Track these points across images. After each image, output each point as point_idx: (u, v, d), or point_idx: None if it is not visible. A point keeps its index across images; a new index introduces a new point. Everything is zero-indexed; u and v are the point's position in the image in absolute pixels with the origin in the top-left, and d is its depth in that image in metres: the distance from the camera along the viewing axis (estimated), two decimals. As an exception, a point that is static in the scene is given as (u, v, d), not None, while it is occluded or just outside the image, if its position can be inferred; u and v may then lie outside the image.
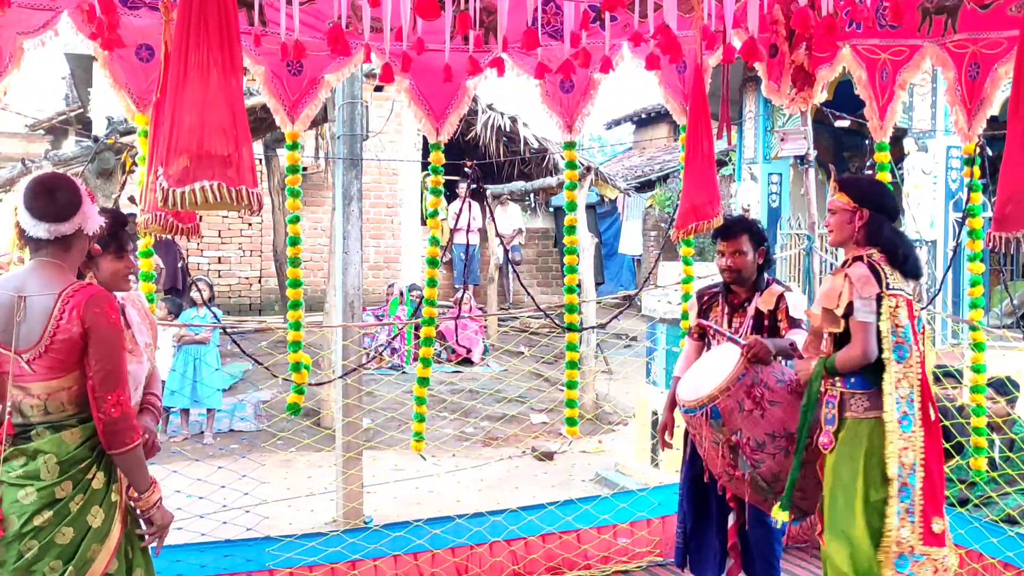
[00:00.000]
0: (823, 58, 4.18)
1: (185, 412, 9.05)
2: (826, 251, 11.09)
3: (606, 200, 17.10)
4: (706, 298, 4.17)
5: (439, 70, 3.63)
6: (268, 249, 13.77)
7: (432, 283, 4.78)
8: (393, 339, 11.14)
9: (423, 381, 4.86)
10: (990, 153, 4.92)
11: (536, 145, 14.76)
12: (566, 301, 4.82)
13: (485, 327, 12.67)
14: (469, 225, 8.98)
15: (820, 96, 4.42)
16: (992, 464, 5.50)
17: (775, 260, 5.85)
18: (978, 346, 4.50)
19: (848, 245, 3.51)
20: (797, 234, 10.69)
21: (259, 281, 14.57)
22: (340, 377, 6.13)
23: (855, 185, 3.59)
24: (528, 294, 5.91)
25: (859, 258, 3.41)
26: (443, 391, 9.93)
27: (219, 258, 14.33)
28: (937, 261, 9.38)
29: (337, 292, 6.62)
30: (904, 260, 3.45)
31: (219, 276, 14.04)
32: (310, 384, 4.76)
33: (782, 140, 10.93)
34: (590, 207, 16.39)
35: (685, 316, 4.48)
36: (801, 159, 6.93)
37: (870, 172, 5.08)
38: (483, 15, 3.87)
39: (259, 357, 5.30)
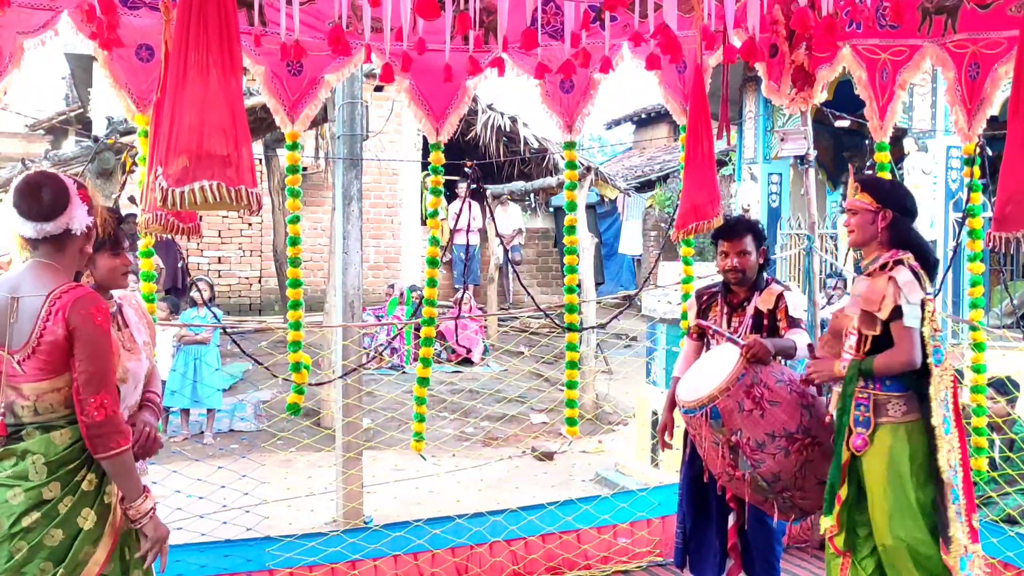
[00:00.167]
0: (823, 58, 4.18)
1: (185, 412, 9.05)
2: (826, 251, 11.10)
3: (606, 200, 17.10)
4: (705, 298, 4.16)
5: (439, 70, 3.63)
6: (268, 249, 13.77)
7: (432, 283, 4.79)
8: (393, 339, 11.14)
9: (423, 381, 4.86)
10: (990, 153, 4.92)
11: (536, 145, 14.76)
12: (566, 301, 4.82)
13: (485, 327, 12.67)
14: (469, 225, 8.97)
15: (820, 96, 4.42)
16: (992, 464, 5.50)
17: (774, 260, 5.84)
18: (978, 346, 4.50)
19: (871, 246, 3.48)
20: (797, 234, 10.70)
21: (259, 281, 14.57)
22: (340, 377, 6.13)
23: (877, 186, 3.56)
24: (528, 294, 5.91)
25: (899, 261, 3.37)
26: (443, 391, 9.93)
27: (219, 258, 14.33)
28: (937, 261, 9.36)
29: (337, 292, 6.62)
30: (935, 264, 3.46)
31: (219, 276, 14.04)
32: (310, 384, 4.76)
33: (782, 140, 10.93)
34: (590, 207, 16.39)
35: (685, 316, 4.48)
36: (801, 159, 6.92)
37: (870, 172, 5.07)
38: (483, 15, 3.87)
39: (259, 357, 5.31)
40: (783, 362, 3.82)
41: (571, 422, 4.85)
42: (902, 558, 3.28)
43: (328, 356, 7.98)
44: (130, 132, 8.30)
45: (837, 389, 3.47)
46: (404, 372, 10.80)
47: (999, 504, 5.40)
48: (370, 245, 13.95)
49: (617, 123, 24.65)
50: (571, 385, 4.85)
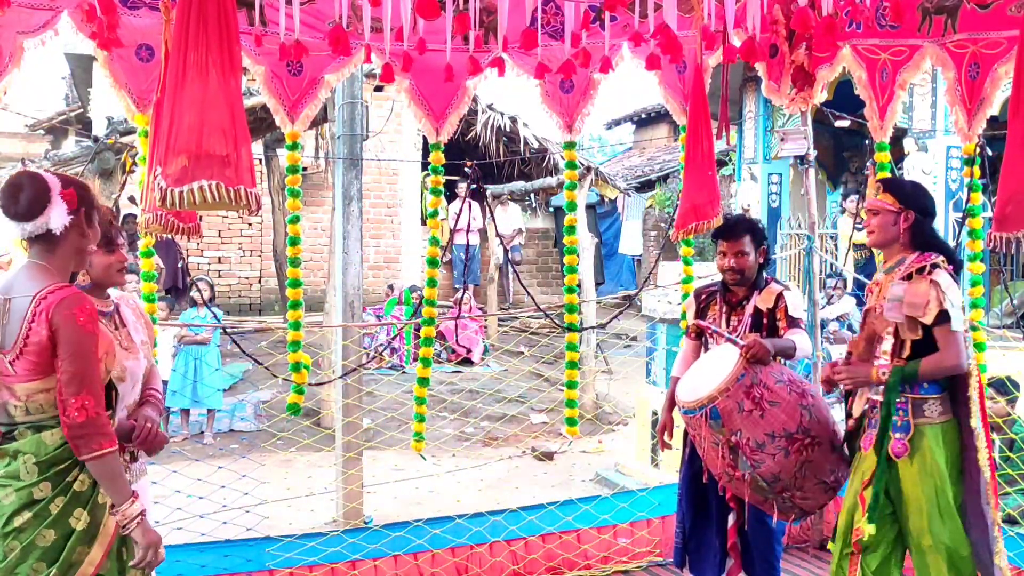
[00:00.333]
0: (823, 58, 4.18)
1: (185, 412, 9.05)
2: (826, 251, 11.10)
3: (606, 200, 17.10)
4: (703, 297, 4.16)
5: (439, 70, 3.63)
6: (268, 249, 13.78)
7: (432, 283, 4.79)
8: (393, 339, 11.14)
9: (423, 381, 4.86)
10: (990, 153, 4.92)
11: (536, 145, 14.76)
12: (566, 301, 4.82)
13: (485, 327, 12.67)
14: (469, 225, 8.98)
15: (820, 96, 4.43)
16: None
17: (774, 260, 5.85)
18: (978, 346, 4.50)
19: (893, 247, 3.47)
20: (797, 234, 10.69)
21: (259, 281, 14.58)
22: (340, 377, 6.13)
23: (899, 186, 3.54)
24: (528, 294, 5.92)
25: (935, 264, 3.35)
26: (443, 391, 9.93)
27: (219, 258, 14.33)
28: (937, 261, 9.35)
29: (337, 292, 6.62)
30: (960, 265, 3.45)
31: (219, 276, 14.04)
32: (310, 384, 4.77)
33: (782, 140, 10.93)
34: (590, 207, 16.39)
35: (684, 316, 4.48)
36: (801, 159, 6.91)
37: (870, 172, 5.06)
38: (483, 15, 3.87)
39: (259, 357, 5.31)
40: (782, 362, 3.82)
41: (571, 422, 4.85)
42: (938, 559, 3.28)
43: (328, 356, 7.98)
44: (130, 132, 8.30)
45: (872, 395, 3.44)
46: (404, 372, 10.80)
47: (999, 504, 5.39)
48: (370, 245, 13.95)
49: (617, 123, 24.64)
50: (571, 385, 4.85)
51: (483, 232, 14.54)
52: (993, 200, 3.93)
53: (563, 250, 5.42)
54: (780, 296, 3.93)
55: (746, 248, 3.94)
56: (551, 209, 17.04)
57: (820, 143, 10.66)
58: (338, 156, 6.75)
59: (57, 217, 2.58)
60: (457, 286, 14.21)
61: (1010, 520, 5.22)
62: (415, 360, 7.81)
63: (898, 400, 3.36)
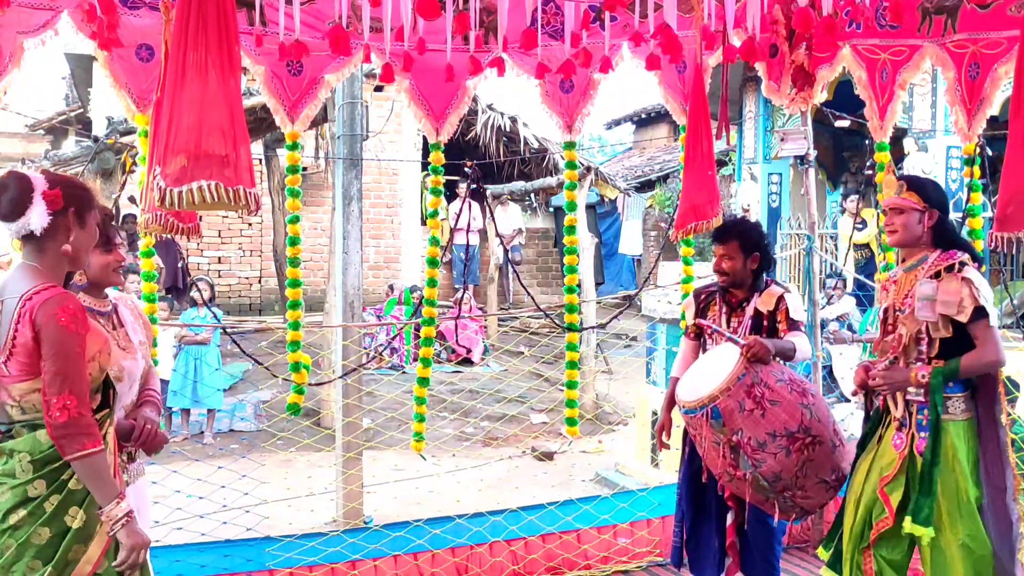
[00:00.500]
0: (823, 58, 4.18)
1: (186, 412, 9.05)
2: (826, 251, 11.10)
3: (606, 200, 17.10)
4: (703, 297, 4.16)
5: (439, 70, 3.63)
6: (268, 249, 13.78)
7: (432, 283, 4.79)
8: (393, 339, 11.14)
9: (423, 381, 4.86)
10: (990, 153, 4.92)
11: (536, 145, 14.76)
12: (566, 301, 4.82)
13: (485, 327, 12.67)
14: (469, 225, 8.98)
15: (820, 96, 4.43)
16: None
17: (775, 260, 5.84)
18: (978, 346, 4.49)
19: (916, 246, 3.47)
20: (797, 234, 10.70)
21: (259, 281, 14.58)
22: (340, 377, 6.13)
23: (922, 185, 3.53)
24: (528, 294, 5.92)
25: (963, 263, 3.36)
26: (443, 391, 9.93)
27: (219, 258, 14.33)
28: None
29: (337, 292, 6.62)
30: (981, 264, 3.45)
31: (219, 276, 14.04)
32: (310, 384, 4.77)
33: (782, 140, 10.93)
34: (590, 207, 16.39)
35: (684, 316, 4.48)
36: (801, 159, 6.91)
37: (870, 172, 5.07)
38: (483, 15, 3.87)
39: (259, 357, 5.31)
40: (782, 363, 3.82)
41: (571, 422, 4.85)
42: (958, 557, 3.28)
43: (328, 356, 7.98)
44: (130, 132, 8.31)
45: (913, 395, 3.41)
46: (404, 372, 10.80)
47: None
48: (370, 245, 13.95)
49: (617, 123, 24.64)
50: (571, 385, 4.85)
51: (483, 232, 14.54)
52: (993, 200, 3.94)
53: (563, 250, 5.42)
54: (781, 299, 3.93)
55: (732, 253, 3.93)
56: (551, 209, 17.03)
57: (820, 143, 10.67)
58: (338, 156, 6.75)
59: (36, 217, 2.57)
60: (457, 286, 14.21)
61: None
62: (415, 360, 7.81)
63: (922, 399, 3.37)
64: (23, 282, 2.58)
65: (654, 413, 7.48)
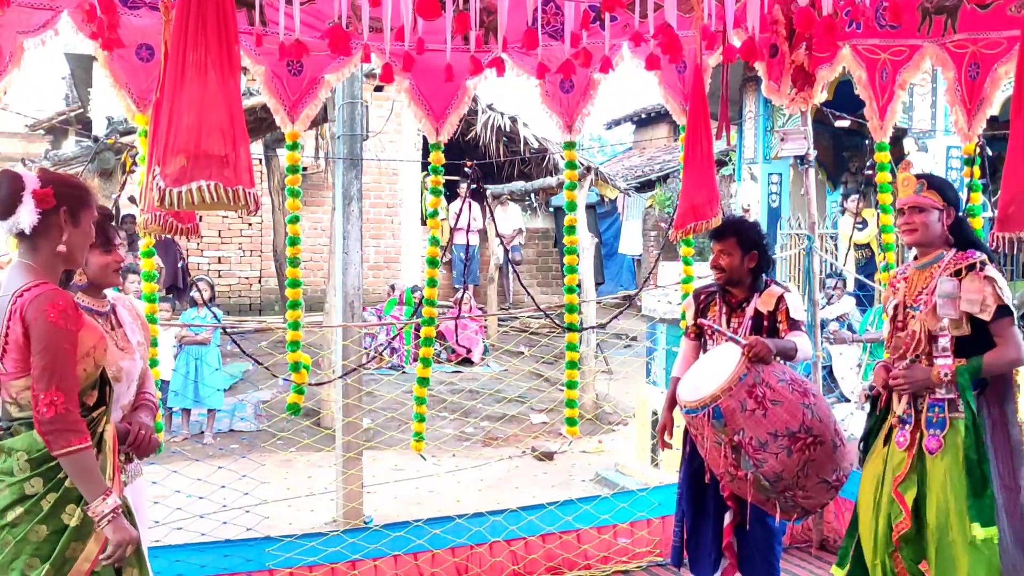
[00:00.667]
0: (823, 58, 4.17)
1: (186, 412, 9.05)
2: (826, 251, 11.10)
3: (606, 200, 17.10)
4: (703, 297, 4.16)
5: (439, 70, 3.63)
6: (268, 249, 13.77)
7: (432, 283, 4.79)
8: (393, 339, 11.15)
9: (423, 381, 4.86)
10: (990, 153, 4.92)
11: (536, 145, 14.75)
12: (566, 301, 4.81)
13: (485, 327, 12.67)
14: (469, 225, 8.98)
15: (820, 96, 4.42)
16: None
17: (775, 260, 5.85)
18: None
19: (935, 245, 3.47)
20: (797, 234, 10.69)
21: (259, 281, 14.57)
22: (340, 377, 6.13)
23: (941, 183, 3.54)
24: (528, 294, 5.92)
25: (984, 262, 3.37)
26: (443, 391, 9.93)
27: (219, 258, 14.33)
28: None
29: (337, 292, 6.62)
30: (995, 263, 3.45)
31: (219, 276, 14.04)
32: (310, 384, 4.76)
33: (782, 140, 10.93)
34: (590, 207, 16.39)
35: (684, 316, 4.48)
36: (801, 159, 6.91)
37: (870, 172, 5.07)
38: (483, 15, 3.87)
39: (259, 357, 5.31)
40: (783, 362, 3.82)
41: (571, 422, 4.85)
42: (965, 555, 3.27)
43: (328, 356, 7.98)
44: (130, 132, 8.31)
45: (942, 393, 3.39)
46: (404, 372, 10.80)
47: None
48: (370, 245, 13.95)
49: (617, 123, 24.63)
50: (571, 385, 4.85)
51: (483, 232, 14.54)
52: (993, 200, 3.93)
53: (563, 250, 5.41)
54: (781, 299, 3.93)
55: (730, 250, 3.94)
56: (551, 209, 17.03)
57: (820, 143, 10.66)
58: (338, 156, 6.75)
59: (26, 216, 2.58)
60: (457, 286, 14.21)
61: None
62: (415, 360, 7.81)
63: (933, 396, 3.37)
64: (17, 280, 2.59)
65: (654, 413, 7.49)
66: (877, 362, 3.70)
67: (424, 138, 11.05)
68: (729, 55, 3.16)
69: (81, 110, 16.20)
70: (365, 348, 8.78)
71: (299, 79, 4.25)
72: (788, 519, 3.72)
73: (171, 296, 10.67)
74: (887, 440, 3.52)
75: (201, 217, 3.82)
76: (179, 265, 10.99)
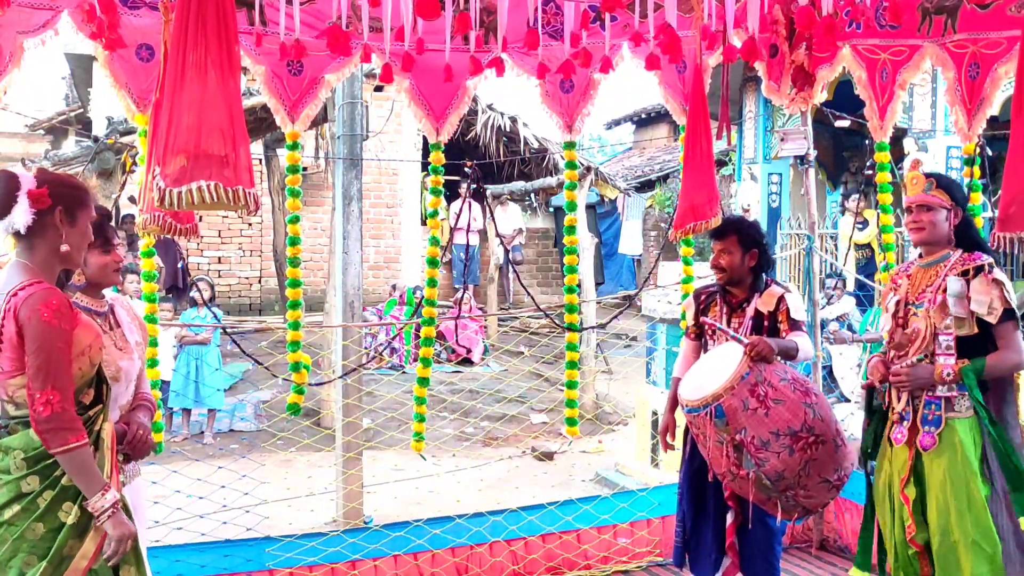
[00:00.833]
0: (823, 58, 4.17)
1: (186, 412, 9.05)
2: (826, 251, 11.10)
3: (606, 200, 17.10)
4: (703, 297, 4.16)
5: (439, 70, 3.62)
6: (268, 249, 13.78)
7: (432, 283, 4.79)
8: (393, 339, 11.15)
9: (423, 381, 4.86)
10: (990, 153, 4.92)
11: (536, 145, 14.76)
12: (566, 301, 4.81)
13: (485, 327, 12.67)
14: (469, 225, 8.99)
15: (820, 96, 4.42)
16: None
17: (775, 261, 5.85)
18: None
19: (941, 244, 3.47)
20: (797, 234, 10.69)
21: (259, 281, 14.57)
22: (340, 377, 6.13)
23: (949, 183, 3.54)
24: (528, 294, 5.92)
25: (992, 264, 3.37)
26: (443, 391, 9.93)
27: (219, 258, 14.33)
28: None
29: (337, 292, 6.62)
30: (999, 266, 3.46)
31: (219, 276, 14.04)
32: (310, 384, 4.76)
33: (782, 140, 10.93)
34: (590, 207, 16.39)
35: (684, 316, 4.48)
36: (801, 159, 6.92)
37: (870, 172, 5.07)
38: (483, 15, 3.87)
39: (259, 357, 5.31)
40: (785, 363, 3.82)
41: (571, 422, 4.85)
42: (965, 553, 3.27)
43: (328, 356, 7.98)
44: (130, 132, 8.31)
45: (941, 391, 3.39)
46: (404, 372, 10.80)
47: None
48: (370, 245, 13.95)
49: (617, 123, 24.63)
50: (571, 385, 4.85)
51: (483, 232, 14.54)
52: (994, 200, 3.93)
53: (563, 250, 5.41)
54: (781, 299, 3.93)
55: (731, 248, 3.94)
56: (551, 209, 17.03)
57: (820, 143, 10.66)
58: (338, 156, 6.75)
59: (20, 216, 2.58)
60: (457, 286, 14.21)
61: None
62: (415, 360, 7.80)
63: (931, 394, 3.38)
64: (13, 279, 2.60)
65: (654, 413, 7.49)
66: (872, 356, 3.71)
67: (424, 138, 11.05)
68: (730, 55, 3.16)
69: (81, 110, 16.21)
70: (365, 348, 8.78)
71: (299, 79, 4.25)
72: (789, 519, 3.72)
73: (171, 296, 10.67)
74: (890, 440, 3.53)
75: (201, 217, 3.83)
76: (179, 265, 11.00)
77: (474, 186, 5.80)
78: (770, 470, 3.50)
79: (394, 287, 13.26)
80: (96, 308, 3.08)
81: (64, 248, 2.65)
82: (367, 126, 7.43)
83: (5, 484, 2.55)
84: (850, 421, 6.99)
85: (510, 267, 14.37)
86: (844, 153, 13.04)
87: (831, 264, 10.50)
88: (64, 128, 17.70)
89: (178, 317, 9.51)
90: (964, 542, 3.27)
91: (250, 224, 14.23)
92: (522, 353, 11.62)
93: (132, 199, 8.64)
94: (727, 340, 3.83)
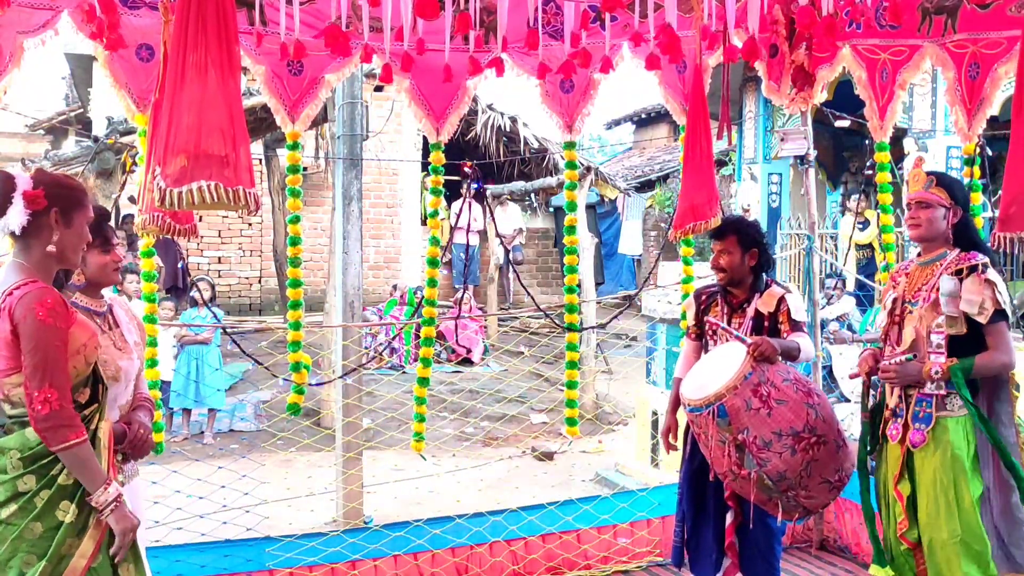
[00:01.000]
0: (823, 58, 4.17)
1: (187, 412, 9.05)
2: (826, 251, 11.10)
3: (606, 200, 17.10)
4: (704, 298, 4.16)
5: (439, 70, 3.62)
6: (268, 249, 13.78)
7: (432, 283, 4.79)
8: (393, 339, 11.15)
9: (423, 381, 4.86)
10: (990, 153, 4.92)
11: (536, 145, 14.76)
12: (566, 301, 4.81)
13: (485, 327, 12.67)
14: (469, 225, 8.99)
15: (820, 96, 4.42)
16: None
17: (775, 261, 5.85)
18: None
19: (937, 242, 3.48)
20: (797, 234, 10.70)
21: (259, 281, 14.58)
22: (340, 377, 6.13)
23: (951, 182, 3.56)
24: (528, 294, 5.92)
25: (986, 265, 3.38)
26: (443, 391, 9.93)
27: (219, 258, 14.33)
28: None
29: (337, 292, 6.62)
30: (995, 266, 3.46)
31: (219, 276, 14.04)
32: (310, 384, 4.77)
33: (782, 140, 10.94)
34: (590, 207, 16.39)
35: (685, 316, 4.48)
36: (801, 159, 6.92)
37: (870, 172, 5.07)
38: (483, 15, 3.87)
39: (259, 357, 5.31)
40: (786, 363, 3.82)
41: (571, 422, 4.85)
42: (954, 552, 3.28)
43: (328, 356, 7.98)
44: (130, 132, 8.30)
45: (930, 388, 3.40)
46: (404, 372, 10.80)
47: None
48: (370, 245, 13.95)
49: (617, 123, 24.63)
50: (571, 385, 4.85)
51: (483, 232, 14.54)
52: (994, 200, 3.93)
53: (563, 250, 5.41)
54: (782, 299, 3.93)
55: (731, 248, 3.94)
56: (551, 209, 17.03)
57: (820, 143, 10.67)
58: (338, 156, 6.75)
59: (14, 217, 2.59)
60: (457, 286, 14.21)
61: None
62: (415, 360, 7.80)
63: (922, 391, 3.39)
64: (8, 278, 2.61)
65: (654, 413, 7.49)
66: (864, 350, 3.72)
67: (424, 138, 11.06)
68: (731, 55, 3.16)
69: (81, 110, 16.21)
70: (365, 348, 8.78)
71: (299, 79, 4.25)
72: (790, 519, 3.72)
73: (171, 296, 10.67)
74: (886, 436, 3.54)
75: (201, 217, 3.83)
76: (179, 265, 11.00)
77: (475, 186, 5.79)
78: (772, 470, 3.50)
79: (395, 287, 13.26)
80: (95, 308, 3.08)
81: (57, 249, 2.65)
82: (367, 126, 7.43)
83: (2, 484, 2.56)
84: (850, 421, 6.99)
85: (510, 267, 14.38)
86: (844, 153, 13.05)
87: (831, 264, 10.50)
88: (64, 128, 17.71)
89: (178, 317, 9.51)
90: (952, 541, 3.29)
91: (250, 224, 14.24)
92: (522, 353, 11.62)
93: (132, 199, 8.63)
94: (729, 340, 3.83)
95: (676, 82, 4.56)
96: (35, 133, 18.55)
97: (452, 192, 13.54)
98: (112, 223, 3.11)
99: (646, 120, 22.73)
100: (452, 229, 7.64)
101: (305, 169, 8.64)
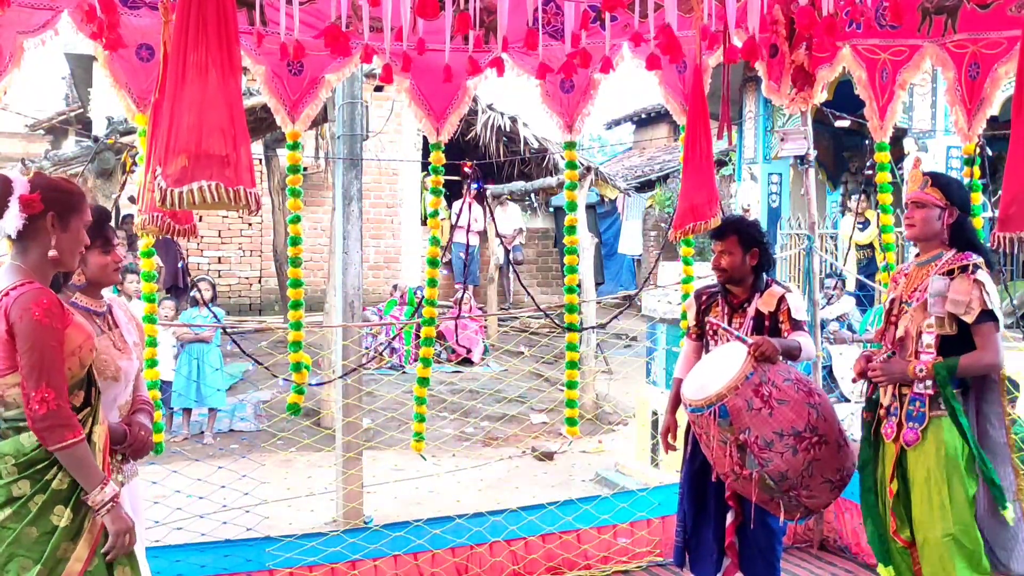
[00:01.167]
0: (823, 58, 4.17)
1: (187, 412, 9.05)
2: (826, 251, 11.10)
3: (606, 200, 17.10)
4: (704, 298, 4.16)
5: (439, 70, 3.62)
6: (268, 249, 13.78)
7: (432, 283, 4.79)
8: (393, 339, 11.15)
9: (423, 381, 4.86)
10: (990, 153, 4.92)
11: (536, 145, 14.76)
12: (566, 301, 4.81)
13: (485, 327, 12.67)
14: (469, 226, 9.00)
15: (820, 96, 4.42)
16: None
17: (775, 261, 5.85)
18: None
19: (933, 242, 3.49)
20: (797, 234, 10.70)
21: (259, 281, 14.58)
22: (340, 377, 6.13)
23: (947, 182, 3.57)
24: (528, 294, 5.92)
25: (977, 265, 3.38)
26: (443, 391, 9.92)
27: (219, 258, 14.33)
28: (937, 261, 9.35)
29: (337, 292, 6.62)
30: (994, 268, 3.48)
31: (219, 276, 14.04)
32: (310, 384, 4.77)
33: (782, 140, 10.94)
34: (590, 207, 16.39)
35: (685, 316, 4.48)
36: (801, 159, 6.93)
37: (870, 172, 5.07)
38: (483, 15, 3.87)
39: (259, 357, 5.31)
40: (787, 362, 3.82)
41: (571, 422, 4.85)
42: (946, 551, 3.29)
43: (328, 356, 7.97)
44: (130, 132, 8.30)
45: (918, 388, 3.41)
46: (404, 372, 10.80)
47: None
48: (370, 245, 13.95)
49: (617, 123, 24.63)
50: (571, 385, 4.85)
51: (483, 232, 14.54)
52: (993, 200, 3.93)
53: (563, 250, 5.41)
54: (782, 299, 3.93)
55: (731, 248, 3.95)
56: (551, 209, 17.03)
57: (820, 143, 10.66)
58: (338, 156, 6.75)
59: (10, 220, 2.60)
60: (457, 286, 14.21)
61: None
62: (415, 360, 7.80)
63: (914, 390, 3.39)
64: (5, 280, 2.62)
65: (654, 413, 7.49)
66: (862, 351, 3.73)
67: (424, 138, 11.05)
68: (731, 55, 3.16)
69: (81, 110, 16.21)
70: (365, 348, 8.78)
71: (299, 79, 4.25)
72: (791, 519, 3.73)
73: (170, 296, 10.67)
74: (881, 435, 3.55)
75: (201, 217, 3.83)
76: (179, 265, 11.00)
77: (475, 186, 5.80)
78: (773, 470, 3.50)
79: (395, 287, 13.26)
80: (95, 308, 3.09)
81: (53, 253, 2.65)
82: (367, 126, 7.43)
83: None
84: (851, 421, 7.00)
85: (510, 267, 14.38)
86: (844, 153, 13.05)
87: (831, 264, 10.50)
88: (64, 128, 17.71)
89: (178, 317, 9.51)
90: (944, 539, 3.30)
91: (250, 224, 14.24)
92: (522, 353, 11.62)
93: (132, 199, 8.63)
94: (730, 340, 3.83)
95: (676, 82, 4.56)
96: (35, 133, 18.56)
97: (452, 192, 13.54)
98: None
99: (646, 120, 22.73)
100: (452, 229, 7.64)
101: (305, 169, 8.63)
